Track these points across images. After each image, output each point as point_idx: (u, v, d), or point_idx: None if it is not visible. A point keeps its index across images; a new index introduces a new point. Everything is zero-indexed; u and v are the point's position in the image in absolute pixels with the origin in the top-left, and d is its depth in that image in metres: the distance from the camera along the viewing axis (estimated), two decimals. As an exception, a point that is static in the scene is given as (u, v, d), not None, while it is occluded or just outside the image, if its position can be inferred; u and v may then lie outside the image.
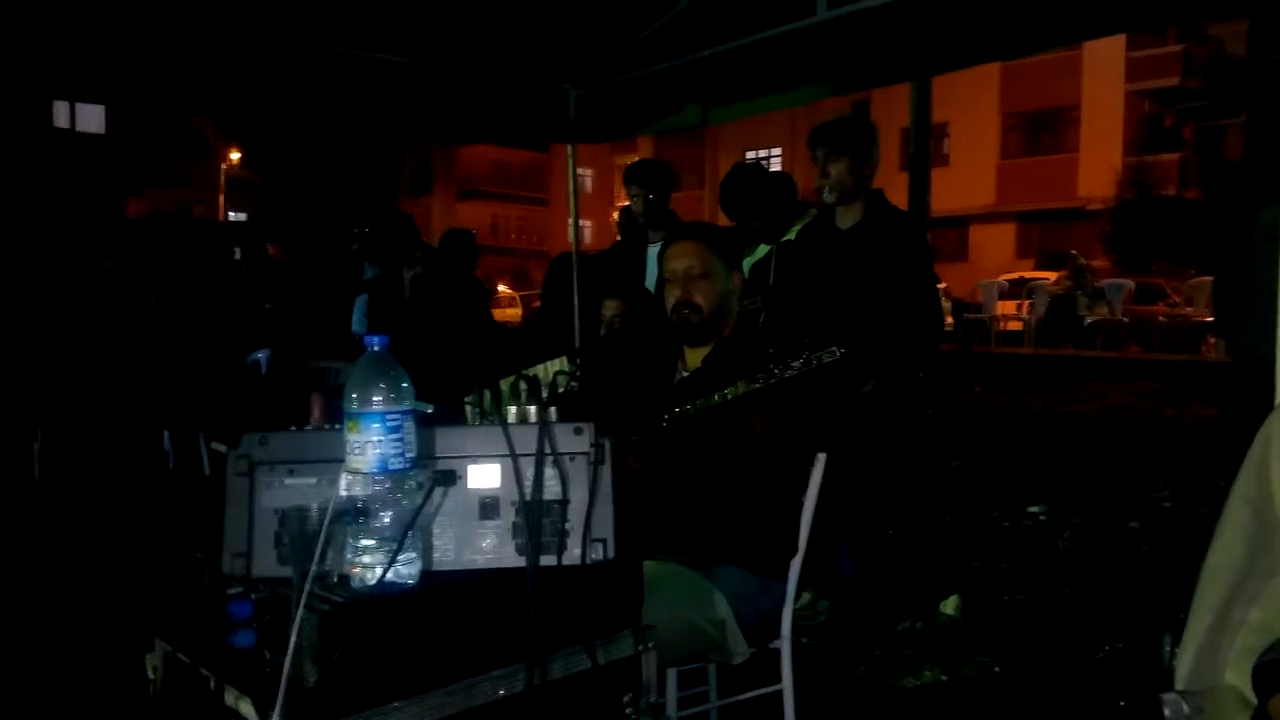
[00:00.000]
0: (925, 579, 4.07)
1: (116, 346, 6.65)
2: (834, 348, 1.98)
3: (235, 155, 27.17)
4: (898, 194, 4.14)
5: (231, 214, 24.66)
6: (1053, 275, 18.57)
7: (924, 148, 10.56)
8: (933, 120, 11.09)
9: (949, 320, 15.34)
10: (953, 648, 3.41)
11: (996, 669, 3.25)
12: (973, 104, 27.63)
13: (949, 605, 3.75)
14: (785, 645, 2.30)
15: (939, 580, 4.05)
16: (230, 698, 1.41)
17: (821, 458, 2.23)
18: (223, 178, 27.17)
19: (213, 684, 1.43)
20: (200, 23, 3.45)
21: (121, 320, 7.06)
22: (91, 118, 22.13)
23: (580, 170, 5.48)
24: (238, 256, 9.66)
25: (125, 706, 1.71)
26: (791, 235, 3.77)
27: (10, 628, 3.39)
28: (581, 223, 5.71)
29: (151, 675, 1.64)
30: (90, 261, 9.28)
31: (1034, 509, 5.30)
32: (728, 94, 4.01)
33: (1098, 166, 27.01)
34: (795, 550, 2.27)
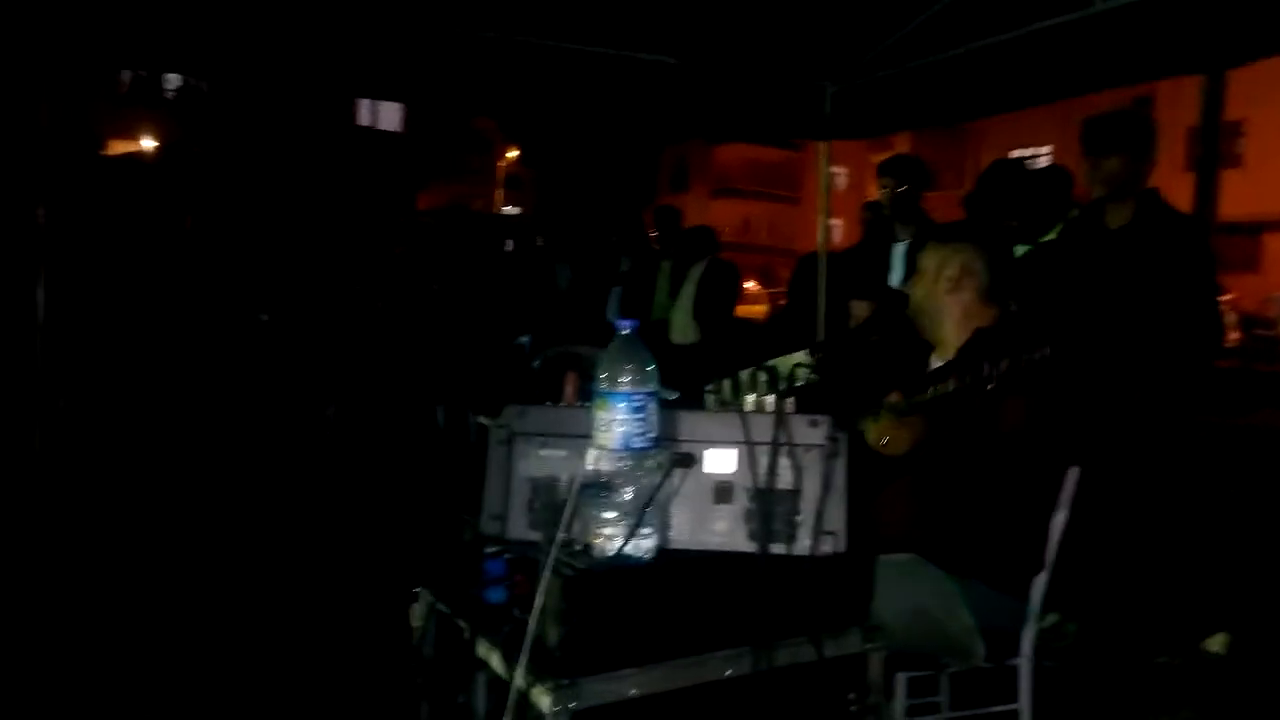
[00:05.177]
0: (1191, 612, 3.71)
1: (402, 327, 7.34)
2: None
3: (512, 153, 29.12)
4: (1181, 197, 3.79)
5: (506, 208, 26.42)
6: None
7: (1213, 147, 9.63)
8: (1226, 117, 10.05)
9: (1233, 335, 13.77)
10: (1216, 689, 3.11)
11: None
12: (1276, 99, 24.41)
13: (1215, 642, 3.41)
14: (1025, 664, 2.21)
15: (1207, 615, 3.68)
16: (482, 648, 1.55)
17: (1074, 471, 2.12)
18: (500, 174, 29.23)
19: (467, 634, 1.58)
20: (484, 26, 3.73)
21: (407, 303, 7.76)
22: (390, 117, 24.50)
23: (834, 169, 5.43)
24: (509, 248, 10.34)
25: (392, 651, 1.91)
26: (1053, 235, 3.56)
27: (296, 573, 3.87)
28: (832, 221, 5.64)
29: (415, 624, 1.83)
30: (383, 249, 10.27)
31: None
32: (996, 89, 3.84)
33: None
34: (1041, 566, 2.19)
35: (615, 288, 7.09)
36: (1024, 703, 2.23)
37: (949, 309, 2.31)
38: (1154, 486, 3.37)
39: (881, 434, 2.14)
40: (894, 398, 2.10)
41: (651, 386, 1.44)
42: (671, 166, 38.70)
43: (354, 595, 3.57)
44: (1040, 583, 2.21)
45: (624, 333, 1.47)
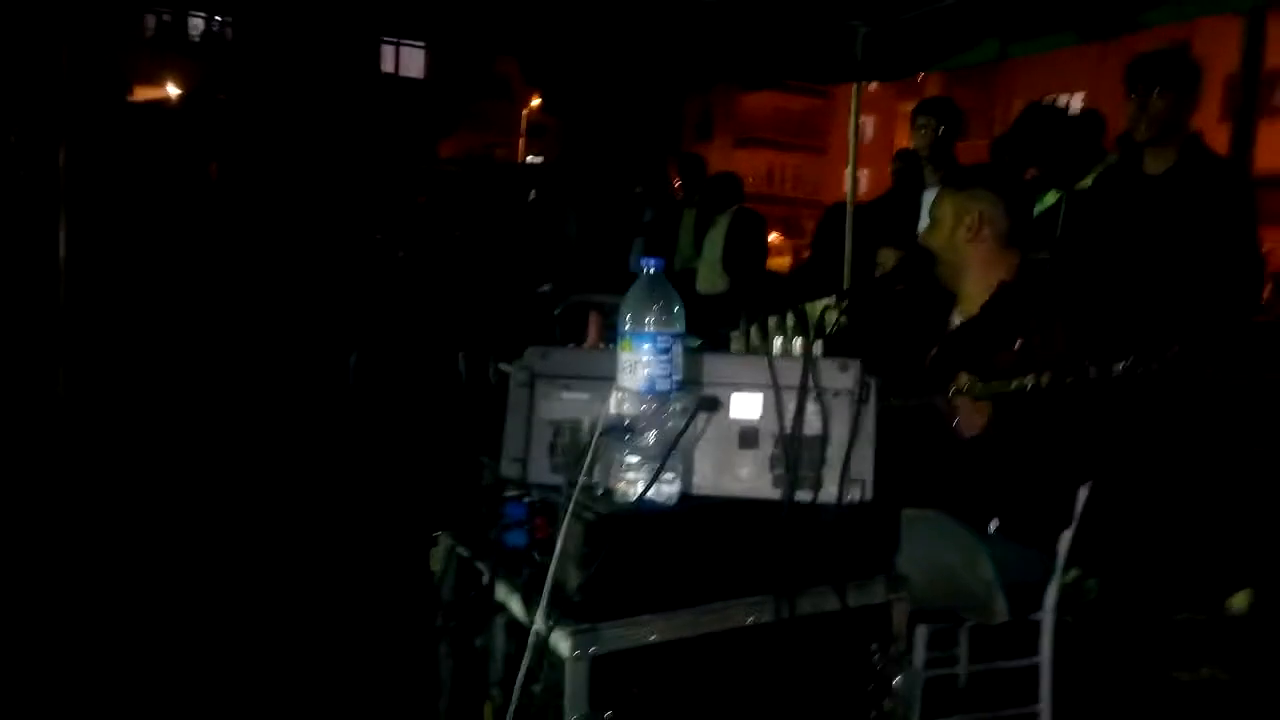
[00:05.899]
0: (1214, 570, 3.67)
1: (424, 274, 7.32)
2: (1166, 353, 1.81)
3: (535, 101, 28.83)
4: (1217, 147, 3.68)
5: (530, 157, 26.26)
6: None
7: (1252, 95, 9.34)
8: (1267, 65, 9.74)
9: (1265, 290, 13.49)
10: (1238, 646, 3.07)
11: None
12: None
13: (1239, 600, 3.38)
14: (1048, 618, 2.20)
15: (1230, 572, 3.64)
16: (501, 592, 1.54)
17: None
18: (523, 123, 28.94)
19: (486, 578, 1.57)
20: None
21: (429, 251, 7.73)
22: (413, 63, 24.32)
23: (861, 117, 5.30)
24: (532, 197, 10.26)
25: (411, 593, 1.91)
26: (1088, 183, 3.46)
27: (319, 515, 3.90)
28: (859, 171, 5.54)
29: (435, 567, 1.82)
30: (406, 197, 10.22)
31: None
32: (1030, 27, 3.72)
33: None
34: (1069, 522, 2.15)
35: (638, 237, 7.04)
36: (1045, 657, 2.22)
37: (970, 258, 2.26)
38: (1181, 441, 3.31)
39: (956, 414, 2.09)
40: (963, 381, 2.05)
41: (678, 328, 1.40)
42: (696, 115, 38.19)
43: (375, 540, 3.60)
44: (1066, 538, 2.18)
45: (650, 272, 1.43)
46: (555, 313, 4.51)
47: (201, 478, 4.24)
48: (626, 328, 1.41)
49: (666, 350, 1.40)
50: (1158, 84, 2.97)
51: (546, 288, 6.88)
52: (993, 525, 2.14)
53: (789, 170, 40.80)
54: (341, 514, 3.96)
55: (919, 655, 2.26)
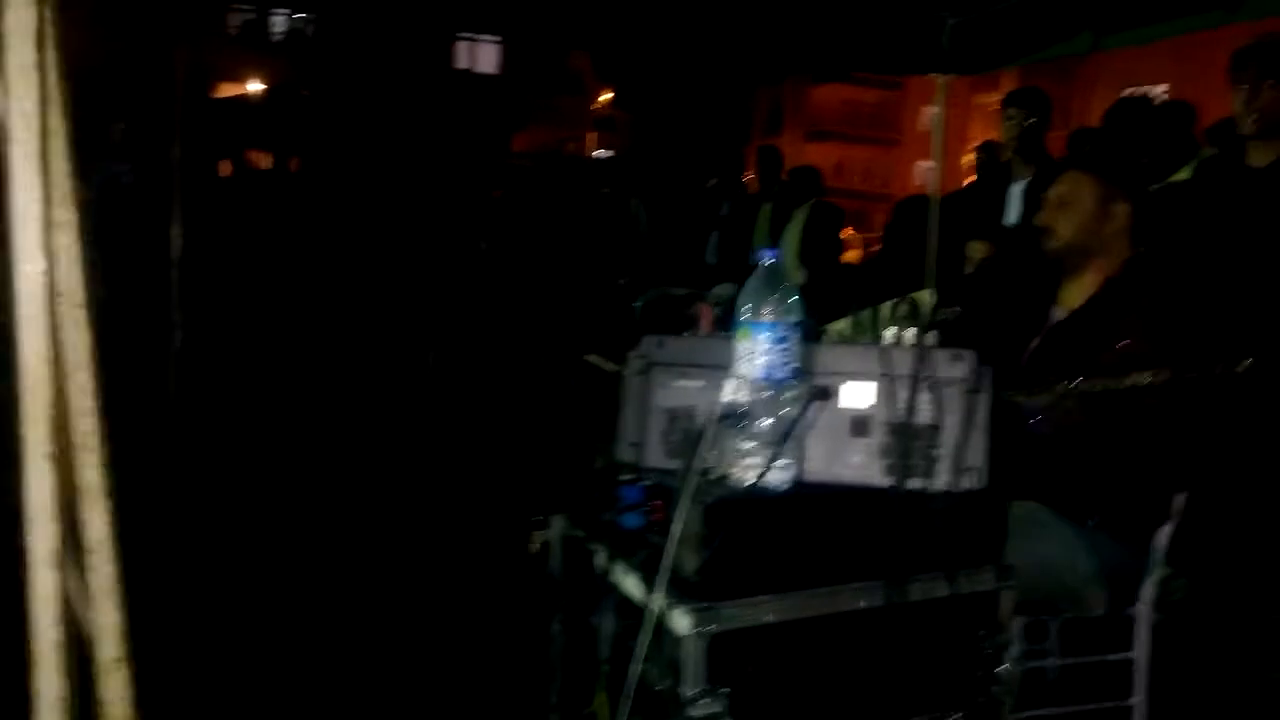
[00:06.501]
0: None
1: (502, 270, 7.45)
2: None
3: (605, 96, 28.97)
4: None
5: (598, 151, 26.42)
6: None
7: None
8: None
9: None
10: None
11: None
12: None
13: None
14: (1145, 612, 2.18)
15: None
16: (617, 572, 1.60)
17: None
18: (594, 117, 29.12)
19: (603, 558, 1.62)
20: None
21: (507, 247, 7.86)
22: (487, 59, 24.62)
23: (937, 109, 5.25)
24: (605, 192, 10.34)
25: (521, 576, 1.98)
26: (1183, 175, 3.39)
27: (407, 503, 4.01)
28: (931, 164, 5.49)
29: (534, 550, 1.88)
30: (483, 192, 10.37)
31: None
32: (1126, 18, 3.65)
33: None
34: (1167, 518, 2.14)
35: (714, 231, 7.05)
36: (1140, 652, 2.20)
37: (1100, 246, 2.24)
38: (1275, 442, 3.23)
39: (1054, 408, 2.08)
40: (1075, 377, 2.04)
41: (794, 317, 1.44)
42: (766, 108, 37.92)
43: (474, 527, 3.70)
44: (1164, 534, 2.17)
45: (767, 263, 1.47)
46: (636, 305, 4.57)
47: (293, 469, 4.38)
48: (745, 317, 1.45)
49: (784, 339, 1.44)
50: (1267, 75, 2.89)
51: (623, 281, 6.94)
52: (1091, 520, 2.14)
53: (859, 163, 40.21)
54: (433, 503, 4.07)
55: (1014, 647, 2.27)
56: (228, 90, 16.11)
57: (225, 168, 9.37)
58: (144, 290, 3.84)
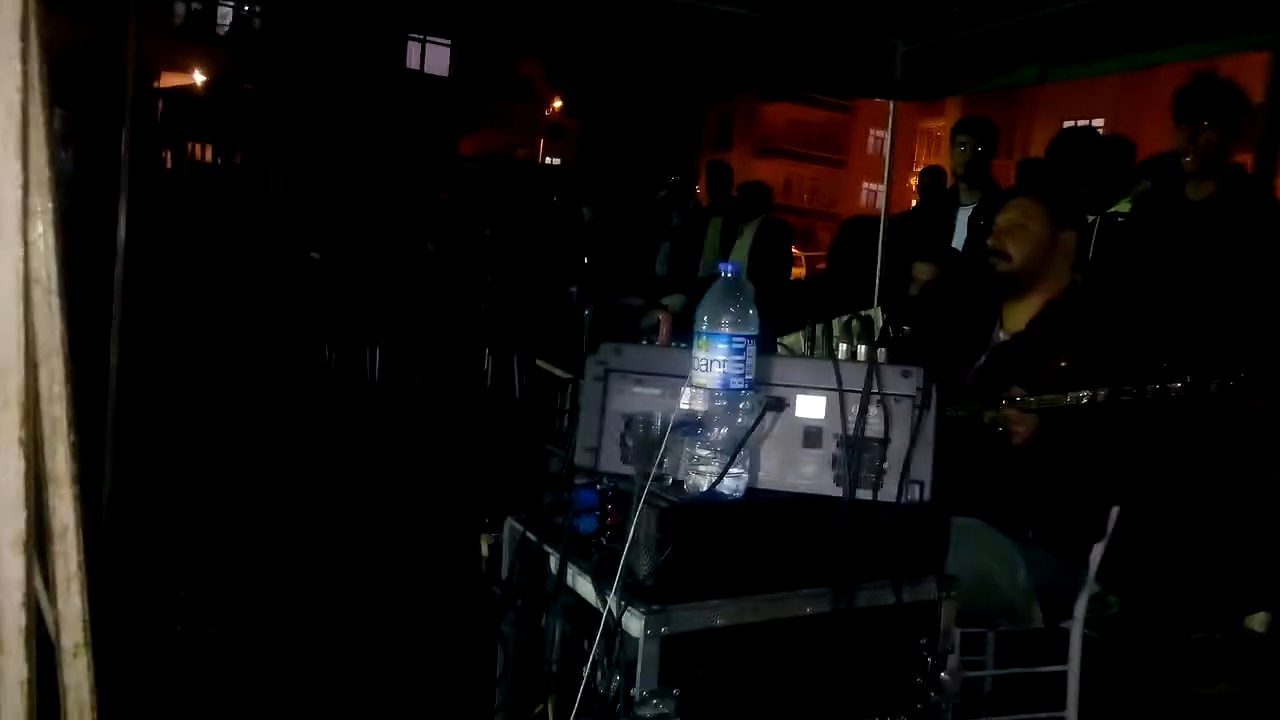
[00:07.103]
0: (1233, 591, 3.73)
1: (449, 271, 7.41)
2: (1239, 373, 1.88)
3: (558, 103, 29.01)
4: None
5: (549, 159, 26.39)
6: None
7: (1276, 125, 9.33)
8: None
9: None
10: (1254, 665, 3.13)
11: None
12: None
13: (1256, 621, 3.44)
14: (1077, 627, 2.26)
15: (1250, 594, 3.69)
16: (570, 575, 1.61)
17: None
18: (544, 124, 29.15)
19: (556, 561, 1.64)
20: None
21: (454, 248, 7.83)
22: (438, 61, 24.49)
23: (879, 132, 5.41)
24: (555, 200, 10.35)
25: (469, 578, 1.98)
26: (1122, 207, 3.52)
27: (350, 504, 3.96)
28: (876, 186, 5.62)
29: (485, 553, 1.88)
30: (429, 193, 10.32)
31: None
32: (1072, 53, 3.77)
33: None
34: (1102, 535, 2.22)
35: (664, 242, 7.11)
36: (1073, 664, 2.27)
37: (1047, 270, 2.32)
38: (1211, 464, 3.36)
39: (1003, 424, 2.14)
40: (1017, 394, 2.11)
41: (752, 330, 1.48)
42: (715, 123, 38.26)
43: (417, 529, 3.67)
44: (1098, 550, 2.24)
45: (727, 275, 1.50)
46: (586, 313, 4.59)
47: (234, 470, 4.30)
48: (704, 328, 1.48)
49: (741, 351, 1.48)
50: (1207, 117, 3.01)
51: (572, 289, 6.95)
52: (1029, 534, 2.21)
53: (806, 182, 40.79)
54: (382, 504, 4.03)
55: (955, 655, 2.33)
56: (170, 81, 15.77)
57: (166, 159, 9.19)
58: (83, 280, 3.74)
